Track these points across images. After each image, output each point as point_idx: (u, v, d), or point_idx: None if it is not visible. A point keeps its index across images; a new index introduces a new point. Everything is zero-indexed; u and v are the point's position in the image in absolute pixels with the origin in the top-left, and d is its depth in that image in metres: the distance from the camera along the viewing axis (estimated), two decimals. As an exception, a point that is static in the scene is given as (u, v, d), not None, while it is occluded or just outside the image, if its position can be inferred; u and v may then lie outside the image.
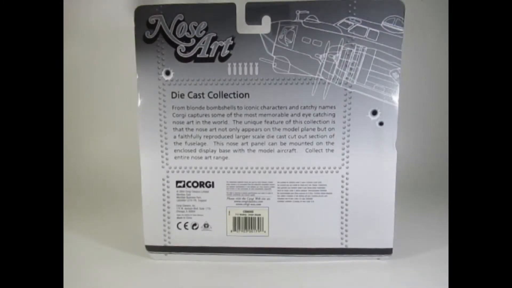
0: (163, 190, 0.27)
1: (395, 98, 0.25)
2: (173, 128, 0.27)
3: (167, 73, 0.26)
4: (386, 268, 0.26)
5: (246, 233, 0.27)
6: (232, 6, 0.25)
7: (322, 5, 0.25)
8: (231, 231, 0.27)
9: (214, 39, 0.26)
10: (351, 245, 0.27)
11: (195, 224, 0.28)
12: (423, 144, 0.49)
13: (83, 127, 0.50)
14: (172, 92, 0.26)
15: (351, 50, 0.25)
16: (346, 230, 0.27)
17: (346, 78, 0.25)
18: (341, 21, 0.25)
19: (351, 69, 0.25)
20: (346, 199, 0.27)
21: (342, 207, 0.27)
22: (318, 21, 0.25)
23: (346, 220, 0.27)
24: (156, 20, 0.26)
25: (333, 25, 0.25)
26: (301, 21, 0.25)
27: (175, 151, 0.27)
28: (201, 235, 0.28)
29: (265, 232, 0.27)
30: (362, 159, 0.26)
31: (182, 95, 0.26)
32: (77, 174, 0.47)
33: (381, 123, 0.26)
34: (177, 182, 0.27)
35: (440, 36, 0.47)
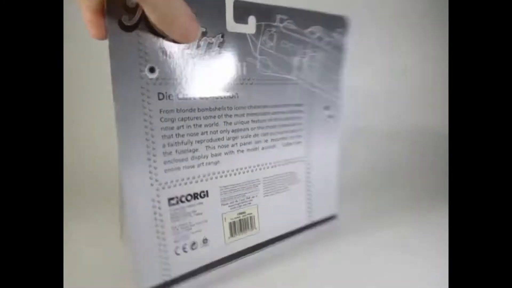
0: (155, 213, 0.22)
1: (342, 95, 0.32)
2: (162, 136, 0.22)
3: (152, 70, 0.22)
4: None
5: (242, 236, 0.27)
6: (221, 2, 0.24)
7: (297, 13, 0.27)
8: (229, 237, 0.26)
9: (203, 34, 0.23)
10: (315, 218, 0.32)
11: (193, 243, 0.24)
12: (424, 144, 0.52)
13: (83, 127, 0.49)
14: (159, 93, 0.22)
15: (314, 55, 0.29)
16: (310, 208, 0.32)
17: (311, 79, 0.29)
18: (309, 29, 0.28)
19: (314, 71, 0.29)
20: (309, 182, 0.31)
21: (308, 190, 0.31)
22: (294, 27, 0.27)
23: (310, 200, 0.31)
24: (137, 4, 0.20)
25: (304, 31, 0.28)
26: (281, 25, 0.27)
27: (165, 163, 0.23)
28: (200, 253, 0.25)
29: (256, 229, 0.28)
30: (319, 147, 0.31)
31: (170, 96, 0.22)
32: (75, 175, 0.45)
33: (330, 116, 0.32)
34: (169, 199, 0.23)
35: (440, 35, 0.52)
